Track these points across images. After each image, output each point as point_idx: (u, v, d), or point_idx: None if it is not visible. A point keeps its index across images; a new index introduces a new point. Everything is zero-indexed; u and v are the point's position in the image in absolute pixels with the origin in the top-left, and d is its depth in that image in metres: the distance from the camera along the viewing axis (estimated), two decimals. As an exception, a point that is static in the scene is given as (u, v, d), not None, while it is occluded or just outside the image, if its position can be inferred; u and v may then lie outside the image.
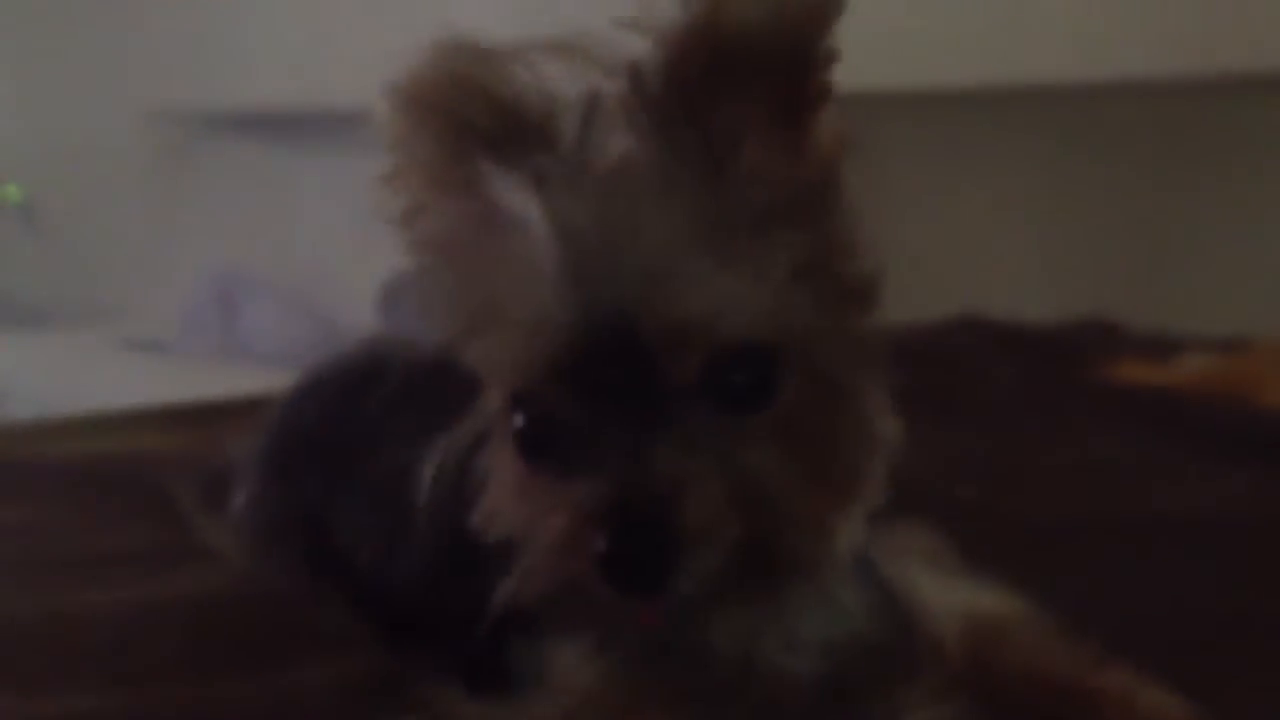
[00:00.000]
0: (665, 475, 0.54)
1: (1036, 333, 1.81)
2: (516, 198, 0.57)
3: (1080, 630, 0.70)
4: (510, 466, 0.60)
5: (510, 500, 0.60)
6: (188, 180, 3.67)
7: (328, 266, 3.25)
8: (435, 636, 0.74)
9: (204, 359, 3.10)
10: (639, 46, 0.57)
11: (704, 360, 0.56)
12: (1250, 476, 1.16)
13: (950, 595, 0.71)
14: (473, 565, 0.71)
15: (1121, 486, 1.15)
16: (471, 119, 0.59)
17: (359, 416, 0.85)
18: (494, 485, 0.62)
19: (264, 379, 1.35)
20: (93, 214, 3.79)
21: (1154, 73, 2.24)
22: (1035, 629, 0.70)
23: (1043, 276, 2.37)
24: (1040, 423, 1.40)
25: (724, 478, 0.55)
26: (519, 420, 0.59)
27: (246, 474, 0.93)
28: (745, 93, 0.57)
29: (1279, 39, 2.04)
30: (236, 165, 3.58)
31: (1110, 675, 0.66)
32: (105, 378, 2.97)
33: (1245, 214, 2.27)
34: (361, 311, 2.95)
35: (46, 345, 3.45)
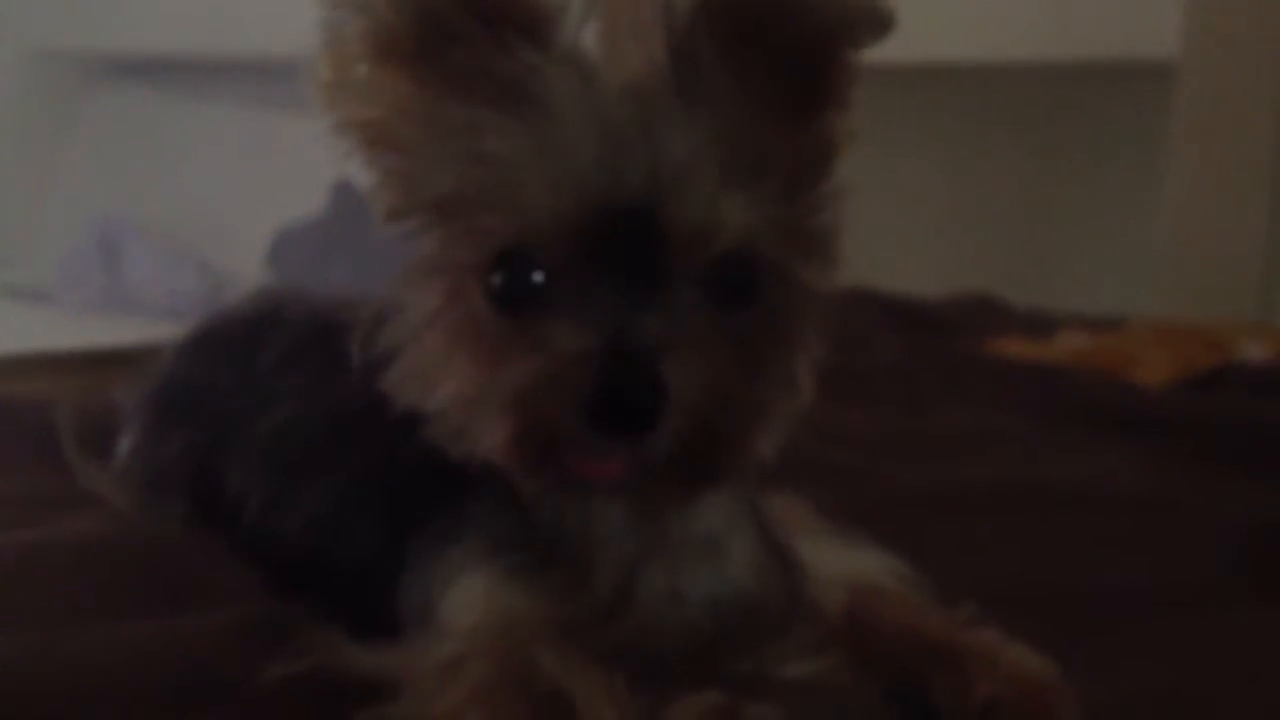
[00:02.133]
0: (655, 334, 0.58)
1: (922, 308, 1.85)
2: (537, 82, 0.61)
3: (952, 593, 0.72)
4: (466, 322, 0.62)
5: (461, 353, 0.62)
6: (72, 126, 3.59)
7: (215, 217, 3.20)
8: (323, 583, 0.75)
9: (86, 308, 3.05)
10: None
11: (707, 258, 0.60)
12: (1122, 449, 1.20)
13: (829, 557, 0.74)
14: (366, 509, 0.73)
15: (999, 457, 1.18)
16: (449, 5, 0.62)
17: (251, 368, 0.85)
18: (430, 344, 0.63)
19: (147, 330, 1.33)
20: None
21: (1040, 56, 2.29)
22: (909, 590, 0.73)
23: (929, 253, 2.41)
24: (922, 394, 1.42)
25: (701, 355, 0.59)
26: (497, 276, 0.61)
27: (132, 421, 0.92)
28: (768, 60, 0.62)
29: (1164, 26, 2.08)
30: (123, 111, 3.51)
31: (978, 634, 0.68)
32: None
33: (1125, 197, 2.32)
34: (248, 263, 2.92)
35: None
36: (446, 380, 0.62)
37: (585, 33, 0.63)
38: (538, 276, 0.60)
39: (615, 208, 0.59)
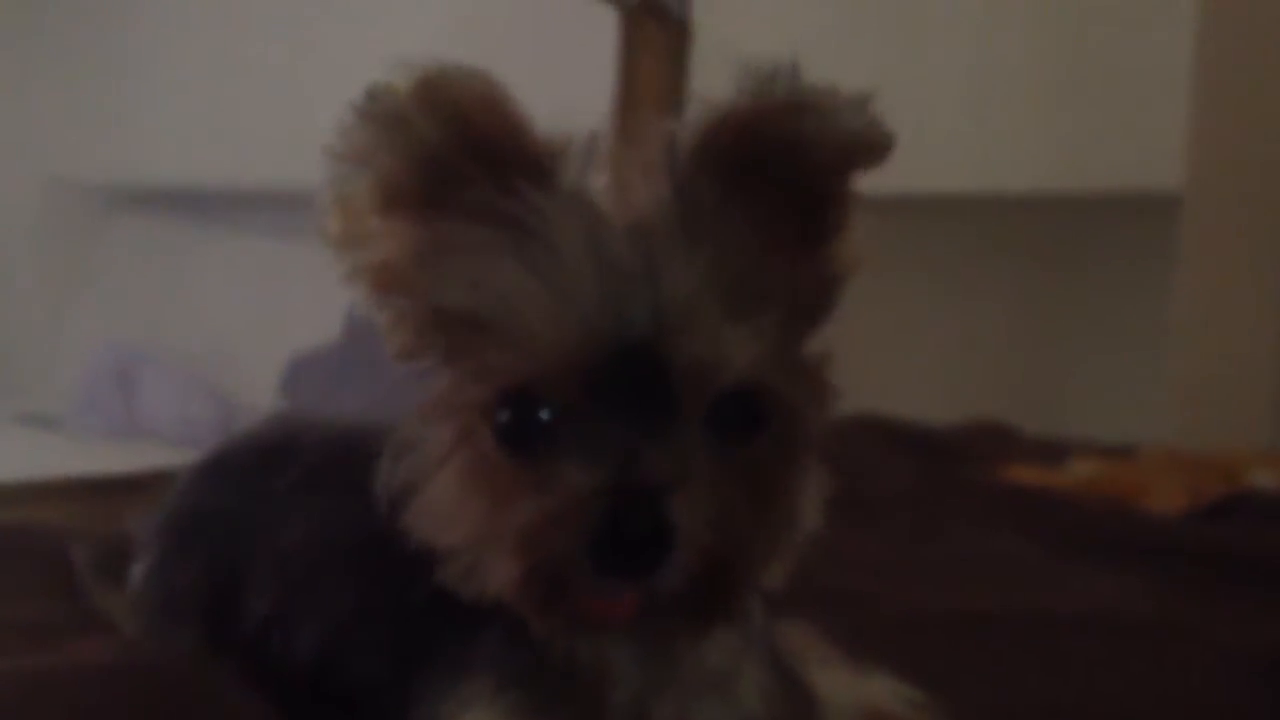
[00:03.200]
0: (662, 471, 0.58)
1: (932, 434, 1.85)
2: (542, 221, 0.61)
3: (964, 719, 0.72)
4: (476, 462, 0.62)
5: (472, 493, 0.62)
6: (87, 254, 3.63)
7: (228, 345, 3.22)
8: (333, 711, 0.74)
9: (100, 436, 3.06)
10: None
11: (712, 393, 0.60)
12: (1134, 576, 1.20)
13: (841, 685, 0.74)
14: (376, 638, 0.73)
15: (1011, 583, 1.17)
16: (451, 139, 0.62)
17: (266, 493, 0.85)
18: (442, 484, 0.63)
19: (161, 457, 1.33)
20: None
21: (1048, 187, 2.31)
22: (924, 718, 0.73)
23: (940, 382, 2.42)
24: (933, 520, 1.42)
25: (708, 490, 0.59)
26: (504, 415, 0.61)
27: (146, 546, 0.92)
28: (770, 194, 0.63)
29: (1167, 159, 2.11)
30: (138, 240, 3.55)
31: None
32: (-4, 452, 2.91)
33: (1134, 326, 2.33)
34: (261, 391, 2.94)
35: (-64, 419, 3.38)
36: (458, 520, 0.62)
37: (589, 172, 0.64)
38: (544, 415, 0.60)
39: (620, 345, 0.59)
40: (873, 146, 0.63)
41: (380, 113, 0.62)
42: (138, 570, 0.91)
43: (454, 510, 0.63)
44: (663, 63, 1.71)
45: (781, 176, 0.63)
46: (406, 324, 0.65)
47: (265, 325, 3.11)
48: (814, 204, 0.65)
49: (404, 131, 0.62)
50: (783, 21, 2.26)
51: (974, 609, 1.07)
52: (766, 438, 0.62)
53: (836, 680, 0.74)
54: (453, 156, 0.62)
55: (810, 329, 0.65)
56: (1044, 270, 2.49)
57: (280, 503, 0.84)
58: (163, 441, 2.89)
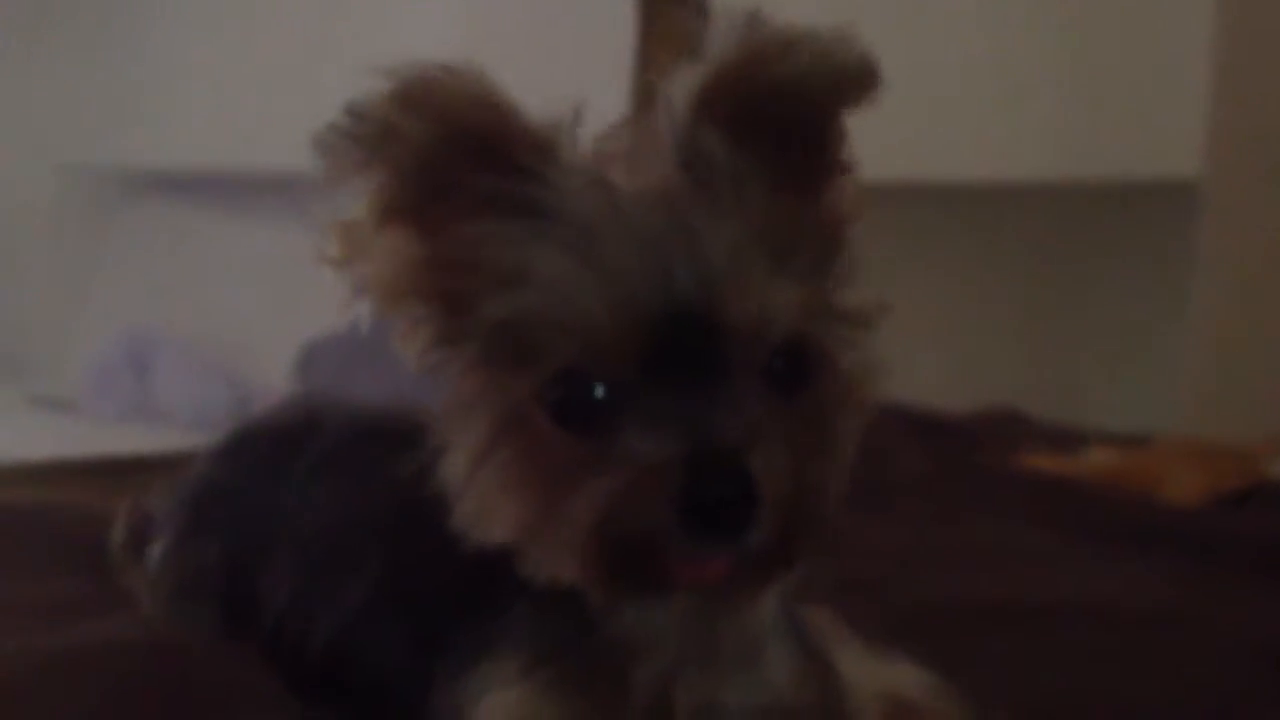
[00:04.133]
0: (735, 432, 0.58)
1: (949, 422, 1.85)
2: (561, 199, 0.61)
3: (984, 707, 0.72)
4: (529, 449, 0.61)
5: (528, 481, 0.61)
6: (101, 238, 3.63)
7: (242, 329, 3.23)
8: (354, 691, 0.74)
9: (113, 419, 3.06)
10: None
11: (766, 349, 0.60)
12: (1151, 565, 1.19)
13: (865, 670, 0.74)
14: (398, 619, 0.73)
15: (1028, 571, 1.17)
16: (443, 141, 0.61)
17: (286, 475, 0.85)
18: (490, 478, 0.62)
19: (174, 440, 1.33)
20: (1, 269, 3.74)
21: (1066, 175, 2.30)
22: (943, 705, 0.73)
23: (957, 370, 2.42)
24: (950, 508, 1.42)
25: (779, 445, 0.59)
26: (558, 397, 0.60)
27: (165, 527, 0.92)
28: (770, 139, 0.63)
29: (1185, 147, 2.10)
30: (151, 225, 3.55)
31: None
32: (10, 435, 2.92)
33: (1153, 314, 2.33)
34: (275, 375, 2.94)
35: (-49, 401, 3.39)
36: (515, 511, 0.62)
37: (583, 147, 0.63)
38: (599, 392, 0.60)
39: (668, 313, 0.59)
40: (864, 78, 0.63)
41: (367, 130, 0.61)
42: (155, 549, 0.92)
43: (509, 502, 0.62)
44: (683, 50, 1.70)
45: (778, 120, 0.63)
46: (424, 330, 0.65)
47: (279, 309, 3.10)
48: (811, 146, 0.65)
49: (394, 143, 0.61)
50: (801, 4, 2.25)
51: (990, 597, 1.07)
52: (814, 387, 0.62)
53: (860, 665, 0.74)
54: (447, 158, 0.61)
55: (829, 273, 0.65)
56: (1061, 258, 2.48)
57: (300, 485, 0.84)
58: (176, 425, 2.89)
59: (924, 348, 2.23)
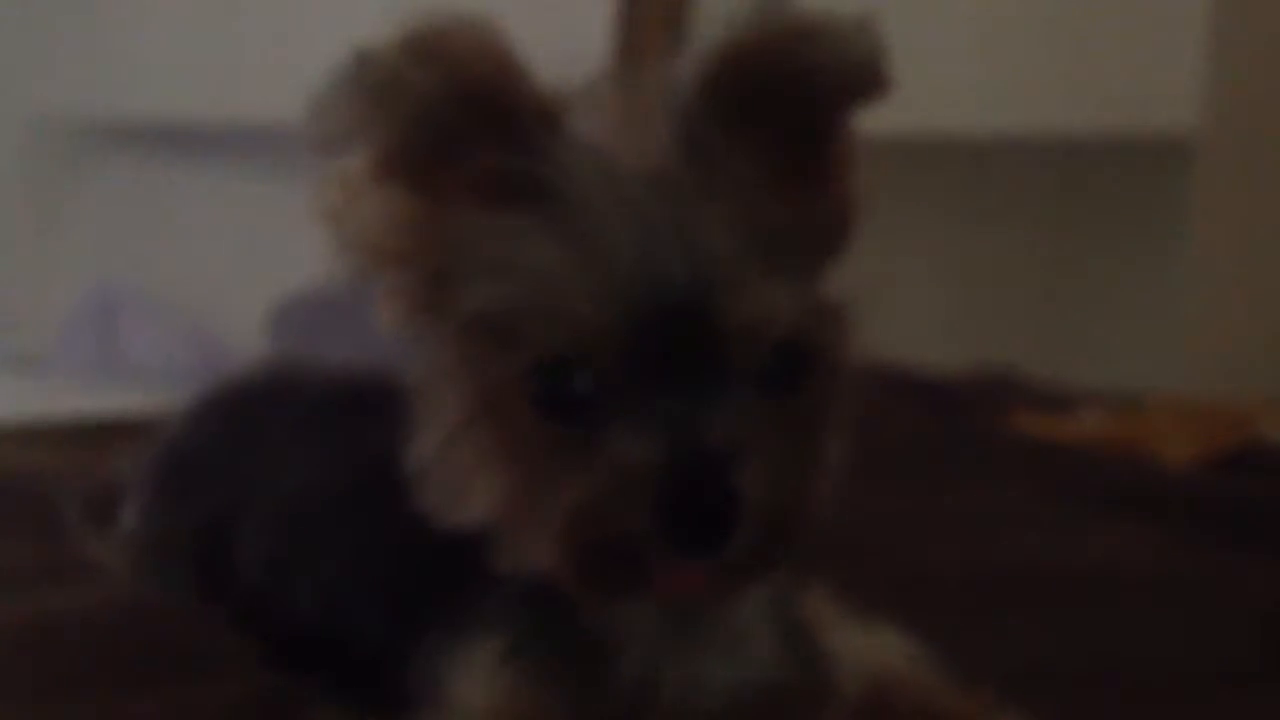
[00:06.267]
0: (722, 436, 0.56)
1: (940, 382, 1.83)
2: (561, 176, 0.58)
3: (973, 675, 0.71)
4: (506, 434, 0.59)
5: (502, 467, 0.59)
6: (72, 193, 3.60)
7: (214, 285, 3.20)
8: (331, 659, 0.73)
9: (83, 376, 3.04)
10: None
11: (762, 350, 0.58)
12: (1143, 529, 1.18)
13: (850, 641, 0.73)
14: (378, 588, 0.71)
15: (1019, 536, 1.16)
16: (450, 95, 0.58)
17: (264, 435, 0.83)
18: (463, 457, 0.60)
19: (145, 398, 1.32)
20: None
21: (1058, 129, 2.29)
22: (931, 674, 0.72)
23: (948, 328, 2.41)
24: (941, 471, 1.40)
25: (767, 451, 0.57)
26: (540, 386, 0.58)
27: (137, 490, 0.91)
28: (774, 134, 0.61)
29: (1180, 101, 2.09)
30: (123, 178, 3.52)
31: (1000, 719, 0.68)
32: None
33: (1147, 272, 2.33)
34: (247, 332, 2.92)
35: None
36: (485, 495, 0.60)
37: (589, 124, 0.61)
38: (584, 383, 0.57)
39: (664, 308, 0.56)
40: (877, 77, 0.61)
41: (373, 78, 0.58)
42: (129, 510, 0.90)
43: (479, 485, 0.60)
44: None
45: (784, 111, 0.61)
46: (403, 299, 0.62)
47: (254, 266, 3.08)
48: (817, 140, 0.63)
49: (400, 93, 0.58)
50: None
51: (982, 562, 1.06)
52: (808, 390, 0.60)
53: (846, 638, 0.73)
54: (453, 113, 0.59)
55: (824, 271, 0.63)
56: (1055, 215, 2.48)
57: (278, 446, 0.82)
58: (147, 383, 2.87)
59: (914, 307, 2.22)
